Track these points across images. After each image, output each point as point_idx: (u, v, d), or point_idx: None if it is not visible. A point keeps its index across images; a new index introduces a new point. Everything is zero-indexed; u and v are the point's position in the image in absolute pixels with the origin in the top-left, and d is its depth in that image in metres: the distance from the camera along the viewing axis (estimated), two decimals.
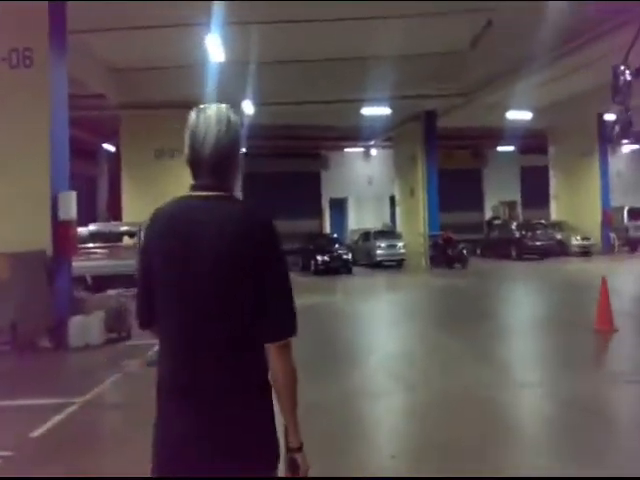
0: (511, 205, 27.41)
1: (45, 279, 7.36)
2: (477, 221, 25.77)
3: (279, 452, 1.34)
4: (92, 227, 14.25)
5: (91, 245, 14.38)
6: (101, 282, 14.12)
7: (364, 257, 19.39)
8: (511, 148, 25.57)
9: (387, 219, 24.82)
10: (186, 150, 1.39)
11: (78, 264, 14.04)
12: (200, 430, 1.26)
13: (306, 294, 12.47)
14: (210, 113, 1.38)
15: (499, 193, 27.13)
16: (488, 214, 27.05)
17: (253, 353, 1.32)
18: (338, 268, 17.64)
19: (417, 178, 18.82)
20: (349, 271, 17.82)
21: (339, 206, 25.68)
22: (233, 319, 1.29)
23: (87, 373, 6.13)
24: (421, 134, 18.50)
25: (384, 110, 15.93)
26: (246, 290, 1.29)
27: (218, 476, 1.25)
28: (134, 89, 14.71)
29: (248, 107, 14.63)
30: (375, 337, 8.05)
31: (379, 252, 18.62)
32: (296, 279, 16.78)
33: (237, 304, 1.29)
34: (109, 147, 20.01)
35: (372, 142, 23.58)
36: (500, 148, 25.56)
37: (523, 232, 19.23)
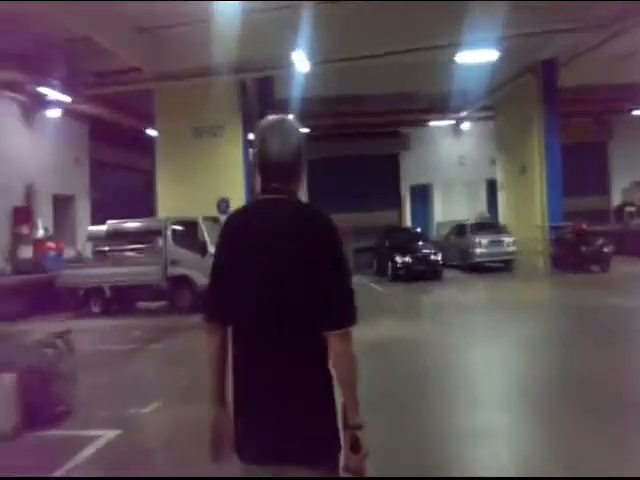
0: None
1: None
2: (600, 208, 20.63)
3: (340, 437, 1.49)
4: (110, 225, 11.42)
5: (111, 248, 11.72)
6: (122, 294, 11.35)
7: (457, 257, 15.19)
8: None
9: (484, 208, 20.09)
10: (256, 158, 1.60)
11: (94, 271, 11.47)
12: (270, 411, 1.48)
13: (374, 317, 8.07)
14: (275, 123, 1.60)
15: (631, 172, 21.20)
16: (615, 198, 21.30)
17: (315, 340, 1.49)
18: (423, 272, 13.63)
19: (531, 152, 14.10)
20: (438, 276, 13.71)
21: (422, 194, 21.67)
22: (297, 307, 1.49)
23: None
24: (537, 92, 13.72)
25: (489, 54, 11.21)
26: (309, 282, 1.48)
27: (284, 457, 1.46)
28: (165, 54, 11.83)
29: (301, 61, 10.93)
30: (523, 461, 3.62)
31: (479, 251, 14.27)
32: (367, 287, 12.59)
33: (301, 294, 1.49)
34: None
35: (464, 113, 18.91)
36: (634, 113, 19.61)
37: None
